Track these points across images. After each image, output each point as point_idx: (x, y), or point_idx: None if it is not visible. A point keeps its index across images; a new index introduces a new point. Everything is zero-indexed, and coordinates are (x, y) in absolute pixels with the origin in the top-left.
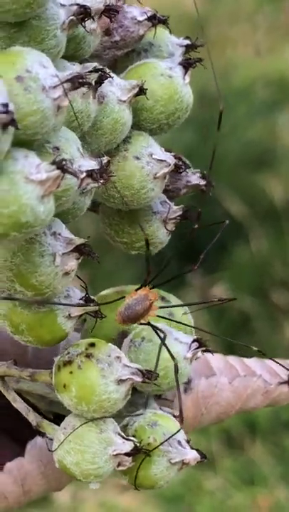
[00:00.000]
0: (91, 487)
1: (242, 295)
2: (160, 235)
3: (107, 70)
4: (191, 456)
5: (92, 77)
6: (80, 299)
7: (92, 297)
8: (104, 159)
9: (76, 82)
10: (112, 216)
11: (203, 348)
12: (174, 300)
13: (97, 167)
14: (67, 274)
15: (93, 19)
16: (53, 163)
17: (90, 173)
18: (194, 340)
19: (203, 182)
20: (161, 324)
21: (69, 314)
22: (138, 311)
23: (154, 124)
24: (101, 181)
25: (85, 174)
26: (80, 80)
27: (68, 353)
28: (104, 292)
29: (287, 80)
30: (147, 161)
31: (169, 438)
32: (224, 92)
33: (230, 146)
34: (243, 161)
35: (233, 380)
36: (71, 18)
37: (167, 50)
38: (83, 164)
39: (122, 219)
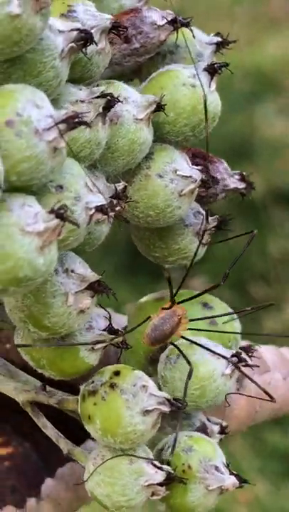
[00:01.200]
0: None
1: (220, 288)
2: (194, 248)
3: (116, 95)
4: (229, 482)
5: (100, 104)
6: (104, 330)
7: (115, 328)
8: (121, 185)
9: (71, 122)
10: (143, 230)
11: (243, 364)
12: (218, 305)
13: (105, 202)
14: (82, 312)
15: (96, 43)
16: (51, 211)
17: (99, 209)
18: (233, 356)
19: (242, 185)
20: (198, 338)
21: (92, 347)
22: (166, 331)
23: (179, 137)
24: (114, 211)
25: (93, 211)
26: (76, 120)
27: (93, 382)
28: (143, 299)
29: (266, 72)
30: (171, 179)
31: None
32: None
33: (209, 139)
34: (221, 153)
35: (287, 375)
36: (71, 45)
37: (195, 50)
38: (91, 200)
39: (153, 233)
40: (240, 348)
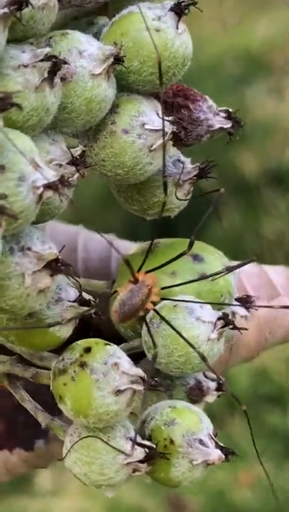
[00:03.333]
0: (106, 495)
1: None
2: (174, 199)
3: (68, 48)
4: (215, 455)
5: (44, 67)
6: (74, 301)
7: (87, 297)
8: (78, 150)
9: (2, 105)
10: (120, 184)
11: (231, 326)
12: (209, 256)
13: (55, 178)
14: (42, 292)
15: (31, 5)
16: None
17: (48, 186)
18: (220, 318)
19: (228, 124)
20: (184, 298)
21: (62, 319)
22: (136, 305)
23: (146, 86)
24: (68, 186)
25: (41, 190)
26: (8, 102)
27: (63, 359)
28: (131, 252)
29: (255, 54)
30: (139, 134)
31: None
32: (192, 68)
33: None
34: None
35: None
36: (2, 12)
37: None
38: (38, 178)
39: (130, 187)
40: (237, 299)
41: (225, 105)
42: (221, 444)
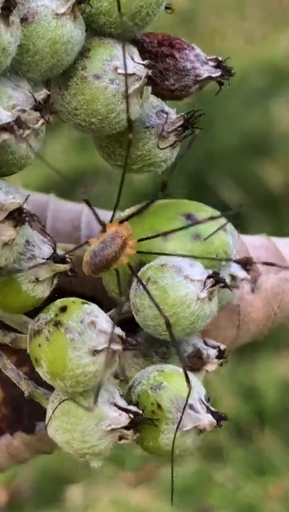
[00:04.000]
0: (92, 465)
1: None
2: (159, 152)
3: None
4: (206, 421)
5: None
6: (48, 259)
7: (61, 254)
8: (42, 94)
9: None
10: (100, 138)
11: (221, 284)
12: (203, 216)
13: (10, 119)
14: (7, 244)
15: None
16: None
17: (2, 128)
18: (210, 277)
19: (217, 73)
20: (174, 257)
21: (36, 278)
22: (107, 256)
23: (119, 29)
24: (27, 127)
25: None
26: None
27: (38, 319)
28: (122, 214)
29: (280, 67)
30: (111, 79)
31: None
32: (214, 84)
33: (226, 136)
34: (239, 150)
35: None
36: None
37: None
38: None
39: (111, 140)
40: (237, 261)
41: (251, 119)
42: (213, 409)
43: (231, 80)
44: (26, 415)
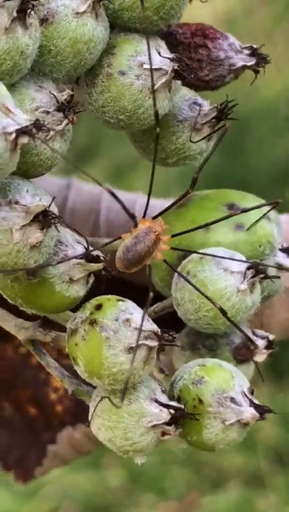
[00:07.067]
0: (136, 461)
1: None
2: (192, 145)
3: None
4: (248, 414)
5: (13, 7)
6: (81, 258)
7: (95, 253)
8: (64, 94)
9: None
10: (134, 133)
11: (262, 276)
12: (246, 205)
13: (28, 123)
14: (35, 247)
15: None
16: None
17: (21, 131)
18: (250, 267)
19: (252, 61)
20: (213, 249)
21: (70, 278)
22: (140, 252)
23: (143, 23)
24: (46, 130)
25: (14, 135)
26: None
27: (75, 318)
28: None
29: None
30: (137, 75)
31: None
32: (247, 112)
33: (257, 165)
34: (271, 178)
35: None
36: None
37: None
38: (8, 124)
39: (145, 135)
40: (282, 250)
41: (282, 147)
42: (257, 402)
43: (260, 109)
44: (87, 407)
